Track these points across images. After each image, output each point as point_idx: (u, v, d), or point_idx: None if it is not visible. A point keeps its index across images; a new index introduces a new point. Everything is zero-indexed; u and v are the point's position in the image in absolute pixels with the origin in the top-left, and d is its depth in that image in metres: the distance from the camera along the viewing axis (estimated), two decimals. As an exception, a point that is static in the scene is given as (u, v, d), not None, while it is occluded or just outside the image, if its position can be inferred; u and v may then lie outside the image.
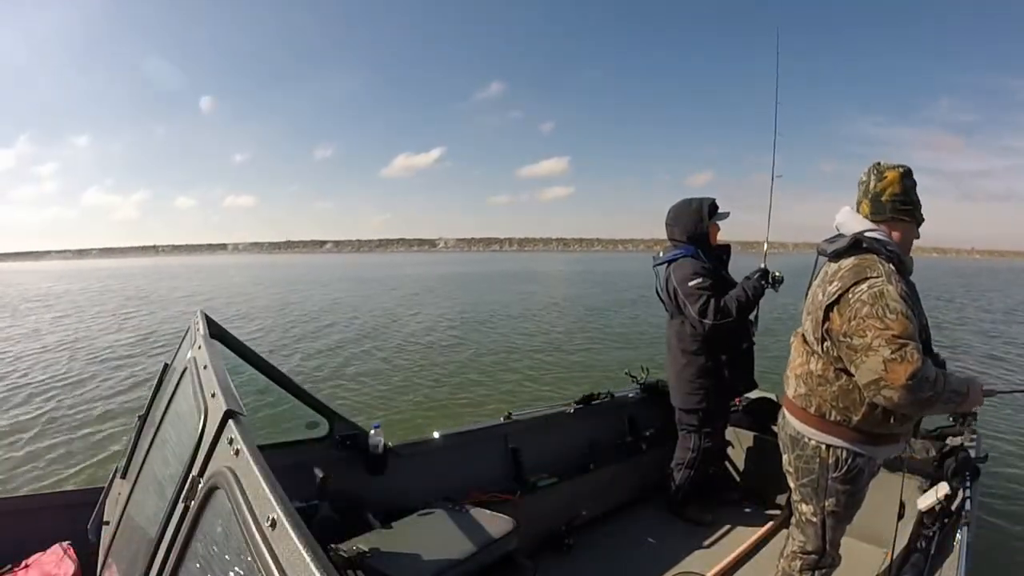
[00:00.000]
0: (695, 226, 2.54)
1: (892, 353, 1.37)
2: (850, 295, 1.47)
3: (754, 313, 2.62)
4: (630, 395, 3.14)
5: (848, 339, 1.46)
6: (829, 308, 1.52)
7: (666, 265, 2.59)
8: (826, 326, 1.53)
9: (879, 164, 1.60)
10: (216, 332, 1.55)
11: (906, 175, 1.58)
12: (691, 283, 2.44)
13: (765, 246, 2.77)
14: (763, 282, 2.47)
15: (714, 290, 2.45)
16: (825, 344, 1.56)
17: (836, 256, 1.60)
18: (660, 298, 2.69)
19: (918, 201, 1.60)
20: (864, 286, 1.46)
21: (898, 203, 1.56)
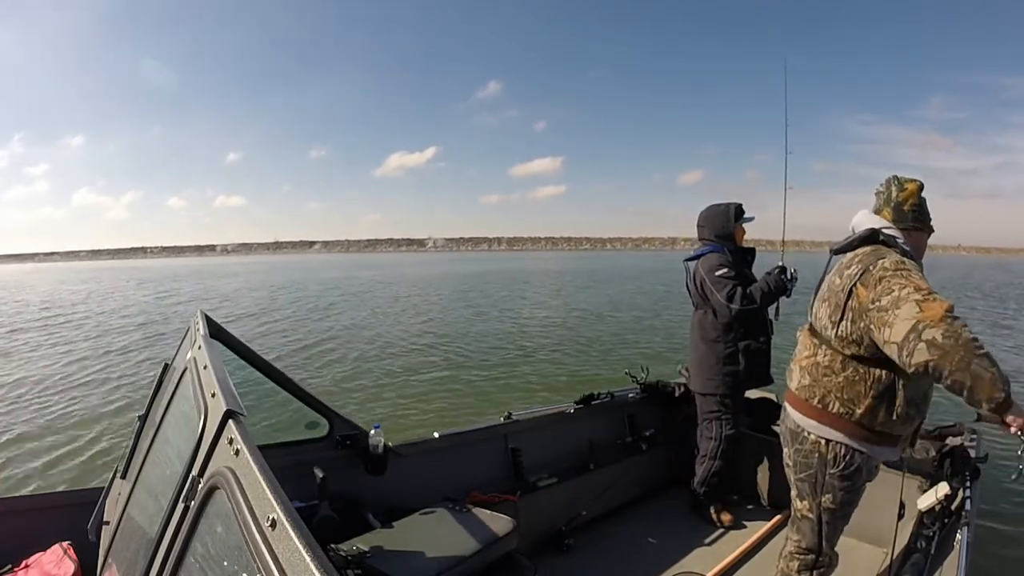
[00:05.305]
0: (722, 227, 2.74)
1: (923, 297, 1.37)
2: (872, 268, 1.50)
3: (774, 310, 2.77)
4: (630, 395, 3.14)
5: (877, 302, 1.45)
6: (853, 286, 1.53)
7: (695, 261, 2.78)
8: (849, 304, 1.53)
9: (898, 176, 1.68)
10: (216, 332, 1.55)
11: (922, 188, 1.67)
12: (717, 272, 2.62)
13: (782, 245, 2.95)
14: (783, 277, 2.62)
15: (738, 280, 2.62)
16: (842, 326, 1.55)
17: (851, 248, 1.64)
18: (688, 290, 2.85)
19: (929, 213, 1.68)
20: (885, 260, 1.50)
21: (916, 212, 1.65)
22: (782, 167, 2.96)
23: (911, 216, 1.64)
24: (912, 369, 1.35)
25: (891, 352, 1.41)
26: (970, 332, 1.31)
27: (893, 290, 1.42)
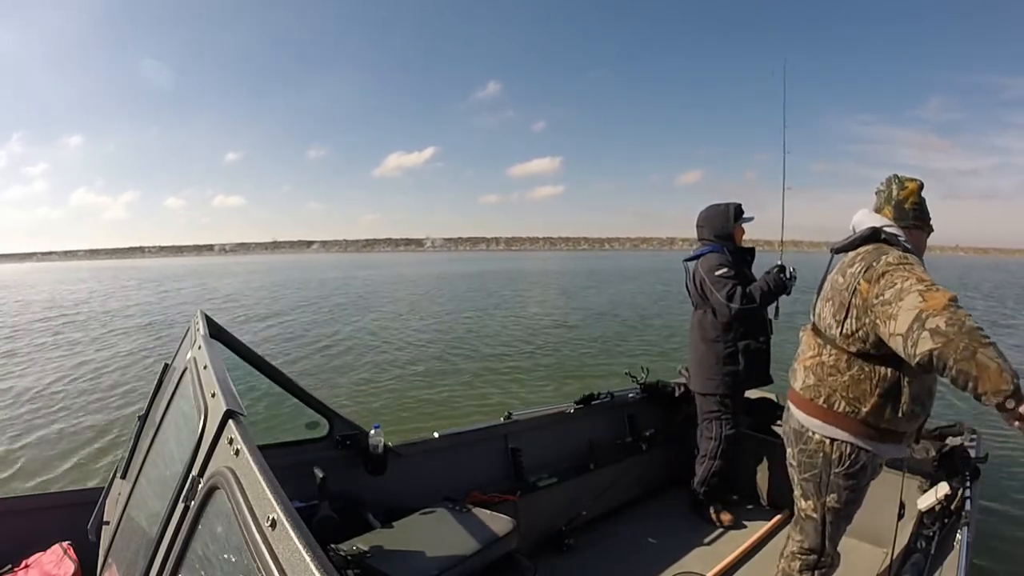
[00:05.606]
0: (722, 227, 2.75)
1: (926, 288, 1.37)
2: (876, 264, 1.50)
3: (774, 310, 2.78)
4: (630, 395, 3.14)
5: (881, 296, 1.44)
6: (856, 284, 1.53)
7: (694, 261, 2.79)
8: (854, 301, 1.53)
9: (898, 175, 1.69)
10: (216, 332, 1.55)
11: (922, 187, 1.68)
12: (717, 272, 2.63)
13: (780, 245, 2.95)
14: (782, 276, 2.62)
15: (738, 280, 2.63)
16: (846, 324, 1.55)
17: (853, 246, 1.64)
18: (688, 290, 2.86)
19: (929, 212, 1.69)
20: (887, 256, 1.51)
21: (917, 211, 1.66)
22: (781, 167, 2.97)
23: (912, 214, 1.65)
24: (917, 359, 1.33)
25: (896, 345, 1.39)
26: (974, 321, 1.29)
27: (896, 283, 1.42)
